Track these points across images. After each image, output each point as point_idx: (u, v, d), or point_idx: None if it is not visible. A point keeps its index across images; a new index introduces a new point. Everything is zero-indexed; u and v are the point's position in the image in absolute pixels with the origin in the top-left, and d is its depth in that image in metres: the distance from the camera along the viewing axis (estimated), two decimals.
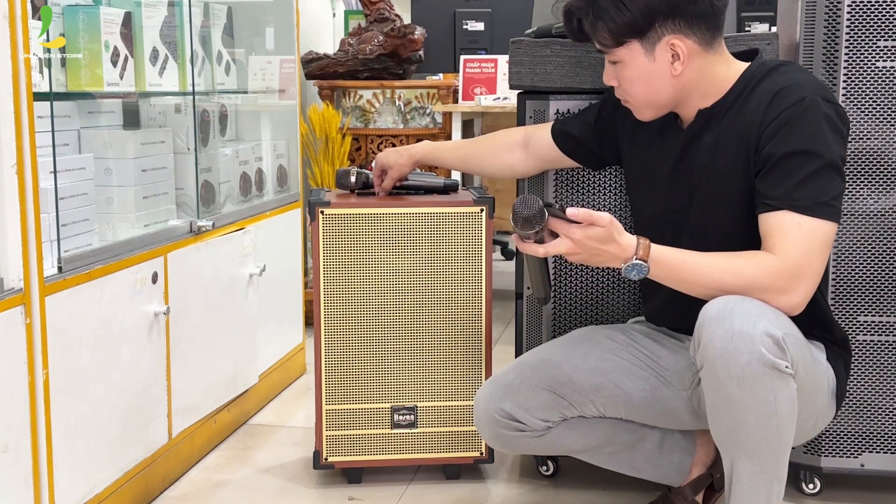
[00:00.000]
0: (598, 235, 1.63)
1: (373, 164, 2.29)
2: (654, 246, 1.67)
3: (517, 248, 1.72)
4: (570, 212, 1.63)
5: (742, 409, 1.60)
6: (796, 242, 1.64)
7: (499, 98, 3.68)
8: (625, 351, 1.95)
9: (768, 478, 1.65)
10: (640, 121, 1.90)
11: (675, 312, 1.92)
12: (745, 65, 1.81)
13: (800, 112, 1.67)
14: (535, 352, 2.02)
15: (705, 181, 1.80)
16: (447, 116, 3.71)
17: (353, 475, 2.29)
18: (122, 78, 2.23)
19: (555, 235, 1.67)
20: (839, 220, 1.68)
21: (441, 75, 4.07)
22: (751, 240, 1.72)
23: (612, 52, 1.77)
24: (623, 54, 1.76)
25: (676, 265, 1.68)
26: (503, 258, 5.03)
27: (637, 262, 1.65)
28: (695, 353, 1.67)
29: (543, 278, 1.81)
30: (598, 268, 2.19)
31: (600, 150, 2.06)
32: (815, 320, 1.76)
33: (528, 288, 2.23)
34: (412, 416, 2.25)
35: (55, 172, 1.91)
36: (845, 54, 2.02)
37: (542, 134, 2.11)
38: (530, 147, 2.13)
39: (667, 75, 1.75)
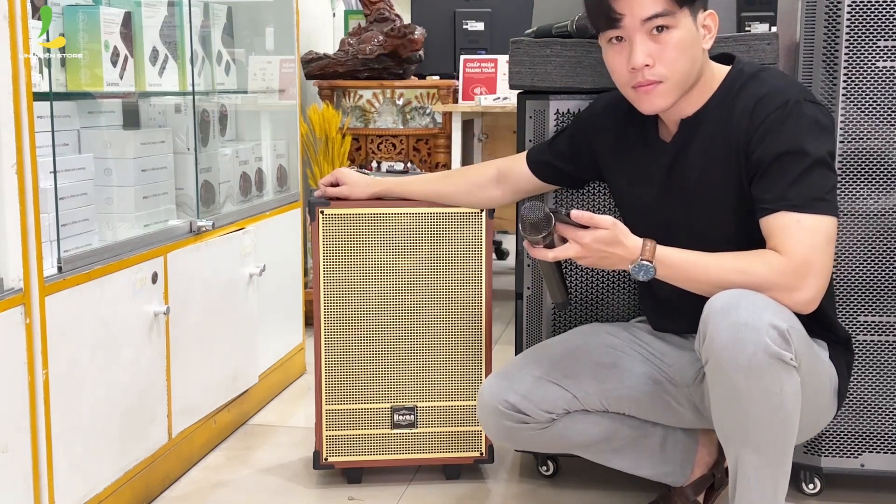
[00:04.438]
0: (604, 238, 1.65)
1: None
2: (660, 247, 1.68)
3: (526, 251, 1.73)
4: (574, 214, 1.64)
5: (749, 401, 1.60)
6: (799, 239, 1.65)
7: (499, 98, 3.68)
8: (628, 347, 1.96)
9: (774, 471, 1.65)
10: (619, 140, 1.91)
11: (681, 320, 1.93)
12: (724, 69, 1.82)
13: (784, 115, 1.69)
14: (539, 346, 2.04)
15: (700, 191, 1.81)
16: (447, 116, 3.71)
17: (353, 475, 2.30)
18: (121, 78, 2.23)
19: (563, 240, 1.68)
20: (837, 214, 1.69)
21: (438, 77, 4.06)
22: (749, 245, 1.72)
23: (666, 17, 1.69)
24: (680, 18, 1.70)
25: (682, 265, 1.69)
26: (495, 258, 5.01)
27: (643, 262, 1.66)
28: (700, 347, 1.67)
29: (558, 283, 1.82)
30: (597, 268, 2.19)
31: (579, 173, 2.07)
32: (818, 319, 1.76)
33: (528, 288, 2.23)
34: (412, 416, 2.25)
35: (55, 172, 1.91)
36: (845, 54, 2.02)
37: (518, 168, 2.10)
38: (508, 182, 2.12)
39: (701, 47, 1.75)
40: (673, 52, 1.72)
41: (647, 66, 1.72)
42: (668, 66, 1.73)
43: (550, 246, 1.69)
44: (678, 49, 1.72)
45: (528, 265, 2.23)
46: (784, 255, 1.65)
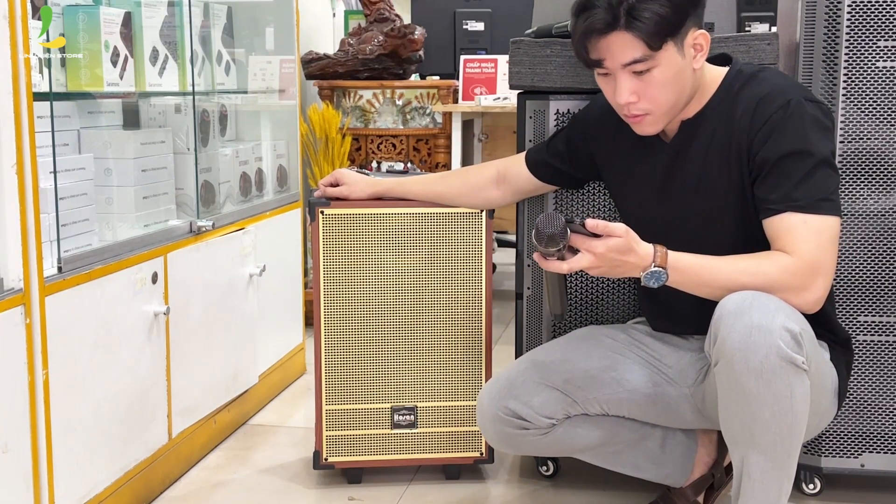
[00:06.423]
0: (618, 246, 1.63)
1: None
2: (671, 252, 1.67)
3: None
4: (590, 223, 1.63)
5: (758, 404, 1.59)
6: (807, 240, 1.65)
7: (499, 98, 3.68)
8: (627, 349, 1.96)
9: (779, 474, 1.64)
10: (617, 141, 1.91)
11: (681, 321, 1.93)
12: (721, 70, 1.81)
13: (786, 115, 1.70)
14: (537, 350, 2.03)
15: (701, 190, 1.81)
16: (447, 116, 3.71)
17: (353, 475, 2.30)
18: (121, 78, 2.23)
19: (573, 251, 1.66)
20: (841, 213, 1.70)
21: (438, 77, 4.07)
22: (747, 246, 1.72)
23: (645, 62, 1.69)
24: (661, 56, 1.69)
25: (694, 270, 1.68)
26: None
27: (656, 269, 1.66)
28: (710, 349, 1.66)
29: (561, 294, 1.80)
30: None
31: (577, 173, 2.07)
32: (819, 320, 1.76)
33: (528, 288, 2.23)
34: (412, 417, 2.25)
35: (55, 172, 1.91)
36: (845, 54, 2.02)
37: (517, 169, 2.11)
38: (507, 183, 2.12)
39: (690, 69, 1.74)
40: (656, 90, 1.72)
41: (631, 102, 1.74)
42: (652, 102, 1.74)
43: (561, 258, 1.66)
44: (661, 86, 1.72)
45: (528, 265, 2.23)
46: (793, 256, 1.65)
